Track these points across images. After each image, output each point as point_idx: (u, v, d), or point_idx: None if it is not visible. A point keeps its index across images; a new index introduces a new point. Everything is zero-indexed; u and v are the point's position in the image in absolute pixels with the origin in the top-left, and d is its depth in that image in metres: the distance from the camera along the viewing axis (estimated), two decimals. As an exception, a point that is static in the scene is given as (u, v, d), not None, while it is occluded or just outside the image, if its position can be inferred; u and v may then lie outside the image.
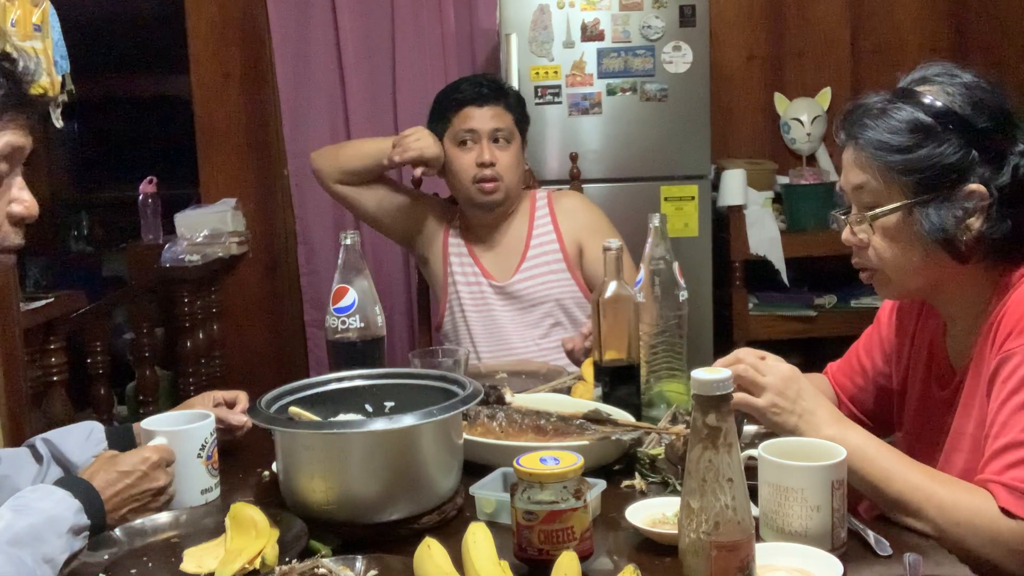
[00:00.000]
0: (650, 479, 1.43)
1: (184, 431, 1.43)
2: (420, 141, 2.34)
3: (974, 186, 1.30)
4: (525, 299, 2.40)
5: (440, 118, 2.41)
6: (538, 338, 2.38)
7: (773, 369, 1.36)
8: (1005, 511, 1.20)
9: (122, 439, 1.57)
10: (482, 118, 2.35)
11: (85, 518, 1.20)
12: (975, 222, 1.31)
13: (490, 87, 2.40)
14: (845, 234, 1.42)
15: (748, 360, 1.36)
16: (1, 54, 1.26)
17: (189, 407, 1.62)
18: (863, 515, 1.30)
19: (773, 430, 1.34)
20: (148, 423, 1.46)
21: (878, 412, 1.63)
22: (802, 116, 3.94)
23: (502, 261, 2.42)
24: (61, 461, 1.44)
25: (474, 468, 1.42)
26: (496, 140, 2.36)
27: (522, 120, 2.44)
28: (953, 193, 1.30)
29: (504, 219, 2.44)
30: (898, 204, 1.34)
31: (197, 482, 1.42)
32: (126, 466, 1.31)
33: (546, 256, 2.41)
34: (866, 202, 1.37)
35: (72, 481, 1.26)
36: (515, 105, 2.42)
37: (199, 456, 1.42)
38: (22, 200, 1.26)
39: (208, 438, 1.44)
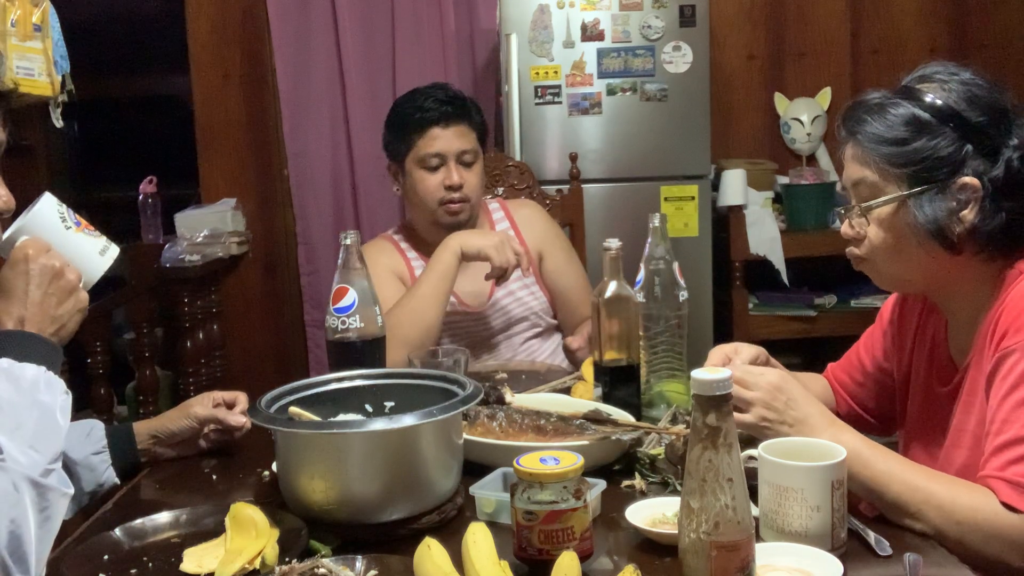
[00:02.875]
0: (650, 479, 1.43)
1: (32, 217, 1.25)
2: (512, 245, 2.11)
3: (968, 179, 1.31)
4: (505, 321, 2.35)
5: (401, 137, 2.32)
6: (516, 346, 2.36)
7: (759, 382, 1.35)
8: (1007, 506, 1.20)
9: (121, 438, 1.57)
10: (448, 140, 2.27)
11: (31, 367, 1.10)
12: (968, 214, 1.32)
13: (453, 105, 2.30)
14: (844, 228, 1.45)
15: (733, 375, 1.35)
16: None
17: (188, 407, 1.62)
18: (864, 515, 1.30)
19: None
20: (3, 237, 1.25)
21: (879, 409, 1.64)
22: (802, 116, 3.94)
23: (474, 282, 2.29)
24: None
25: (474, 468, 1.41)
26: (462, 161, 2.29)
27: (483, 134, 2.38)
28: (947, 185, 1.32)
29: None
30: (893, 196, 1.35)
31: (86, 249, 1.28)
32: (16, 279, 1.17)
33: (517, 272, 2.33)
34: (864, 196, 1.40)
35: None
36: (478, 121, 2.35)
37: (67, 228, 1.27)
38: (0, 195, 1.23)
39: (59, 208, 1.27)
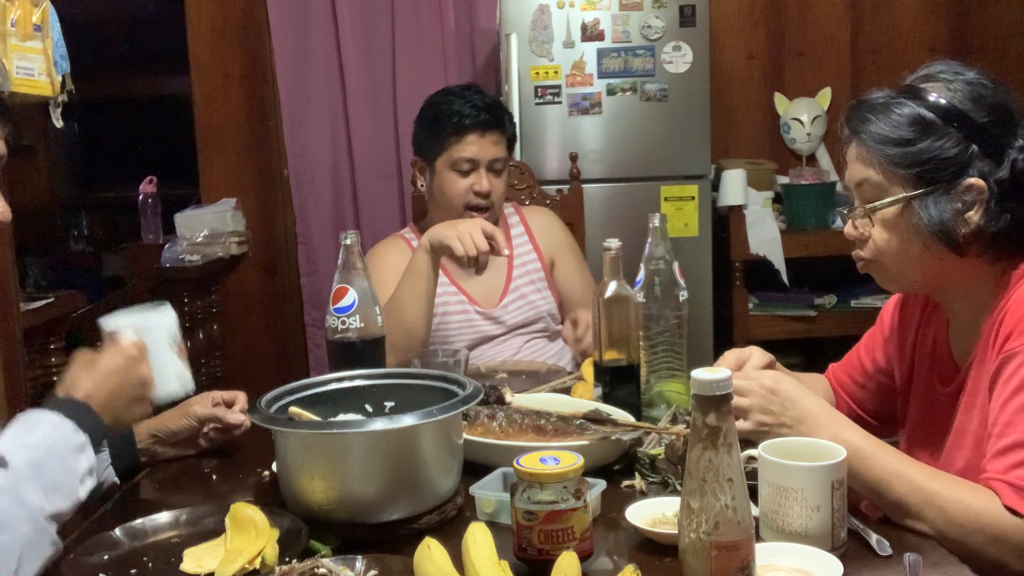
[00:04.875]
0: (650, 479, 1.43)
1: (150, 320, 1.40)
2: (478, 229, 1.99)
3: (973, 180, 1.31)
4: (516, 322, 2.36)
5: (436, 137, 2.32)
6: (521, 345, 2.37)
7: (752, 387, 1.35)
8: (1010, 509, 1.20)
9: (121, 438, 1.57)
10: (483, 147, 2.29)
11: (82, 434, 1.20)
12: (974, 216, 1.32)
13: (491, 112, 2.32)
14: (847, 228, 1.43)
15: None
16: None
17: (187, 406, 1.62)
18: (864, 514, 1.30)
19: None
20: (109, 322, 1.39)
21: (880, 410, 1.64)
22: (802, 116, 3.94)
23: (486, 282, 2.31)
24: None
25: (474, 468, 1.41)
26: (493, 169, 2.31)
27: (513, 142, 2.40)
28: (952, 187, 1.32)
29: None
30: (897, 197, 1.35)
31: (171, 369, 1.40)
32: (106, 367, 1.29)
33: (530, 276, 2.40)
34: (868, 196, 1.39)
35: (57, 402, 1.25)
36: (510, 130, 2.37)
37: (168, 344, 1.40)
38: None
39: (172, 325, 1.42)
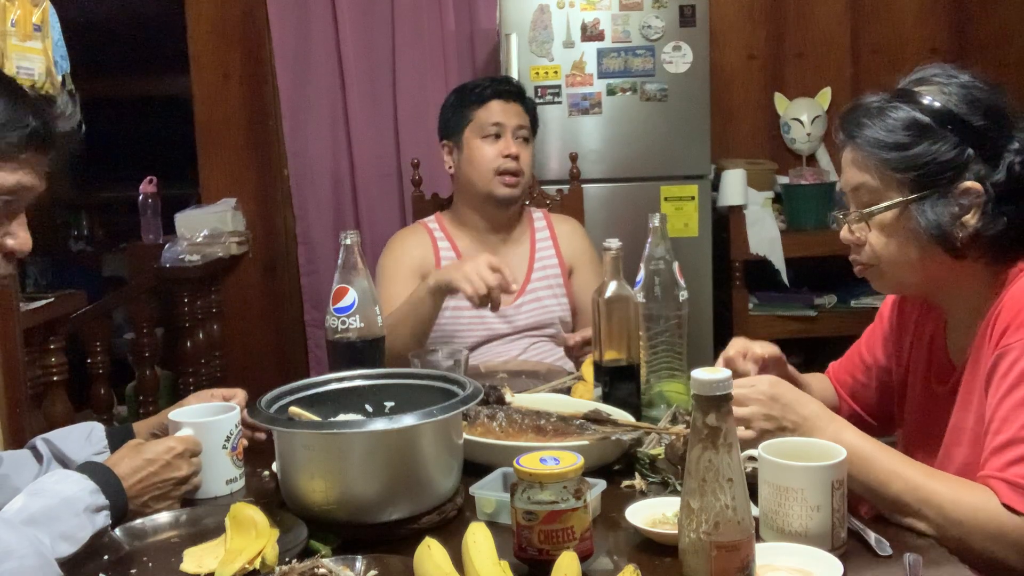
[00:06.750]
0: (650, 479, 1.43)
1: (210, 423, 1.46)
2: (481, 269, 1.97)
3: (969, 183, 1.31)
4: (528, 324, 2.37)
5: (460, 111, 2.39)
6: (529, 346, 2.38)
7: (752, 395, 1.35)
8: (1008, 507, 1.20)
9: (122, 439, 1.57)
10: (507, 113, 2.35)
11: (102, 498, 1.22)
12: (971, 219, 1.32)
13: (513, 86, 2.41)
14: (843, 232, 1.43)
15: None
16: (43, 95, 1.28)
17: (187, 404, 1.62)
18: (863, 515, 1.30)
19: None
20: (175, 415, 1.49)
21: (880, 408, 1.64)
22: (802, 116, 3.94)
23: None
24: (61, 460, 1.45)
25: (474, 468, 1.41)
26: (518, 136, 2.36)
27: (535, 125, 2.45)
28: (949, 190, 1.32)
29: (504, 234, 2.42)
30: (894, 201, 1.35)
31: (222, 472, 1.45)
32: (151, 454, 1.35)
33: (548, 280, 2.41)
34: (864, 201, 1.39)
35: (91, 466, 1.29)
36: (531, 109, 2.44)
37: (224, 447, 1.45)
38: (17, 236, 1.28)
39: (233, 430, 1.47)
